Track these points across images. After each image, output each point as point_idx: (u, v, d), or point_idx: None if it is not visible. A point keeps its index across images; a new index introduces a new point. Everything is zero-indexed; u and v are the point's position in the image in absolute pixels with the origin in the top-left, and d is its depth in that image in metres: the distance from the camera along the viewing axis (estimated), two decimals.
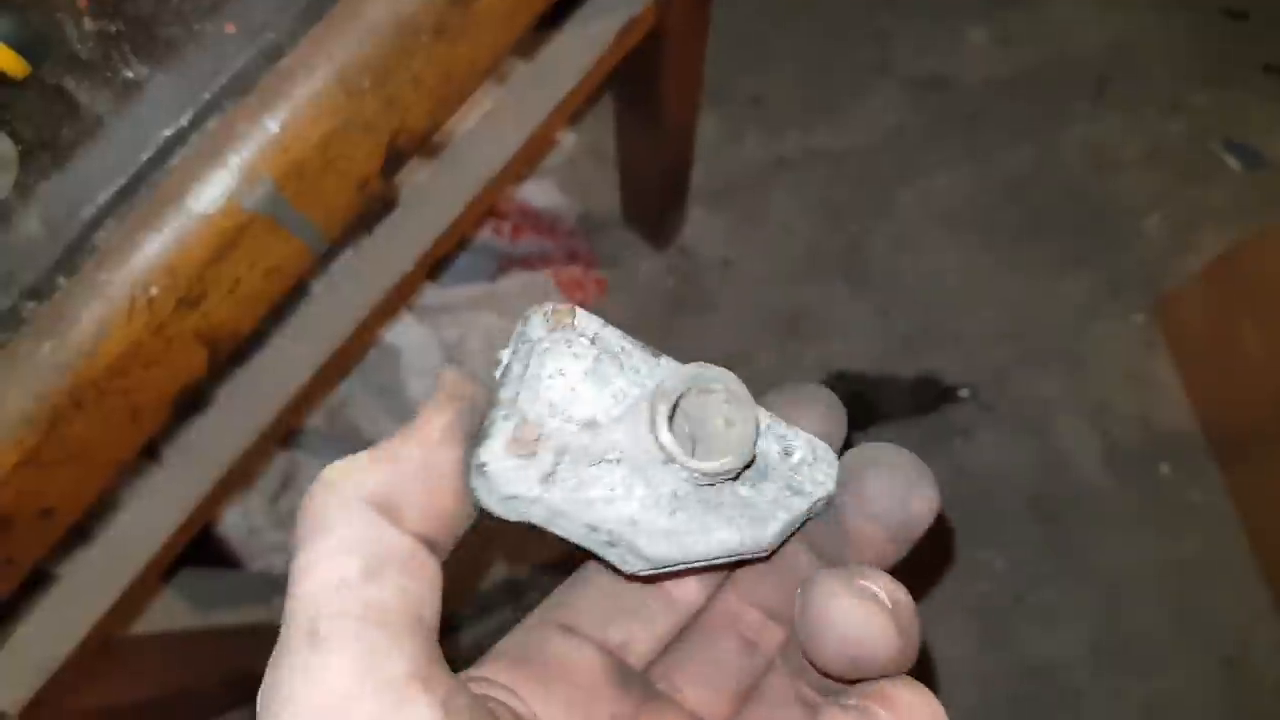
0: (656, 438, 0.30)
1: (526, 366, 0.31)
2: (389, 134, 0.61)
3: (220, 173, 0.53)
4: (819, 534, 0.34)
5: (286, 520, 1.20)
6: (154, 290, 0.53)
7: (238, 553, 1.21)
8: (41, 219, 0.52)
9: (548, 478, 0.29)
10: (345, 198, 0.62)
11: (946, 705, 1.16)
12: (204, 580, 1.23)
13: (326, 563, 0.26)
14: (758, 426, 0.32)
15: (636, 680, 0.34)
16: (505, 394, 0.31)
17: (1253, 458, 1.31)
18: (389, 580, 0.26)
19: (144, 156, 0.53)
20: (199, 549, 1.19)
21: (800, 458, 0.33)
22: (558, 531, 0.30)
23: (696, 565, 0.31)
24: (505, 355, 0.32)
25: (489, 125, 1.00)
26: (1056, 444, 1.40)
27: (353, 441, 1.20)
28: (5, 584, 0.62)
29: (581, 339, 0.32)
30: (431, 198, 1.01)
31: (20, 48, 0.50)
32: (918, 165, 1.51)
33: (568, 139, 1.44)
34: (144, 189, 0.53)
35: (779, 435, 0.33)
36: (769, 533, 0.32)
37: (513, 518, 0.30)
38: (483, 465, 0.29)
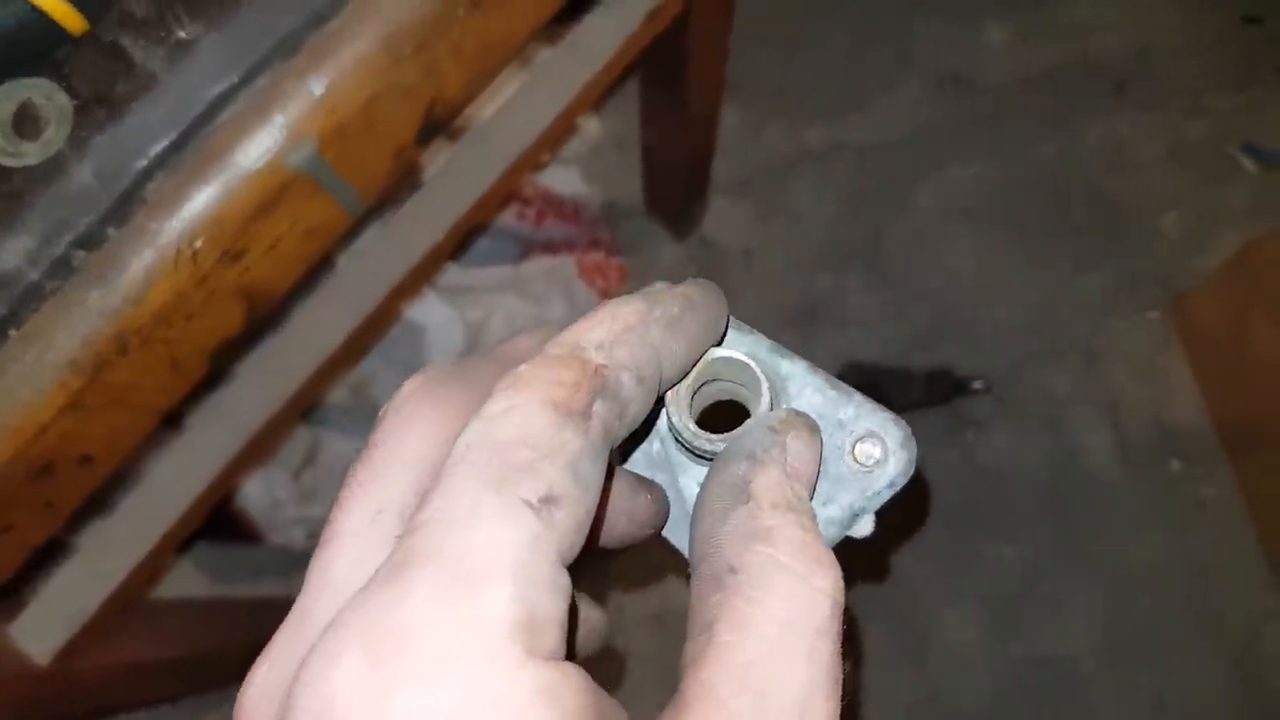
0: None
1: None
2: (427, 101, 0.63)
3: (266, 130, 0.55)
4: None
5: (308, 495, 1.22)
6: (199, 243, 0.55)
7: (258, 526, 1.22)
8: (94, 171, 0.54)
9: None
10: (383, 163, 0.64)
11: (955, 691, 1.18)
12: (223, 553, 1.26)
13: None
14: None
15: None
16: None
17: (1264, 455, 1.32)
18: None
19: (194, 113, 0.54)
20: (217, 523, 1.21)
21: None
22: None
23: None
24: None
25: (516, 105, 1.01)
26: (1069, 438, 1.41)
27: (375, 418, 1.22)
28: (44, 530, 0.64)
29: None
30: (457, 175, 1.03)
31: (79, 4, 0.52)
32: (938, 160, 1.53)
33: (592, 128, 1.46)
34: (193, 144, 0.55)
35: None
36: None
37: None
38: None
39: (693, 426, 0.31)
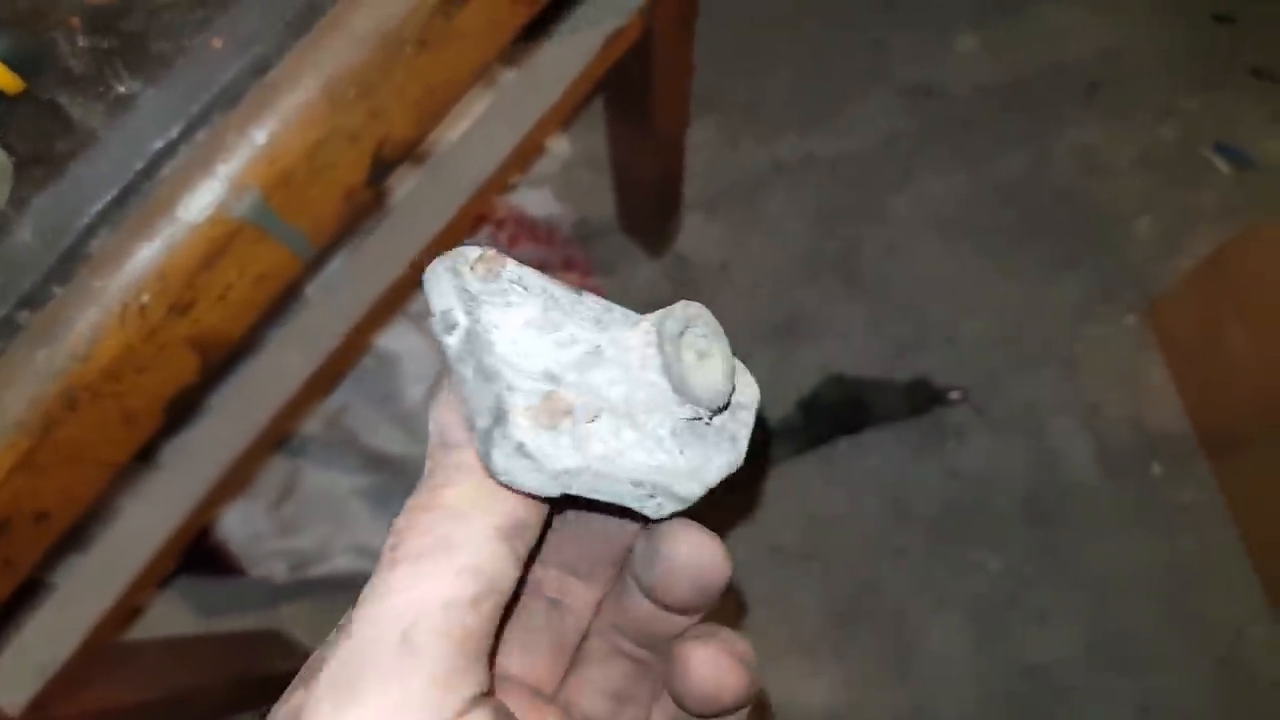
0: (683, 380, 0.31)
1: (476, 323, 0.30)
2: (374, 144, 0.63)
3: (209, 183, 0.55)
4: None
5: (288, 527, 1.22)
6: (145, 297, 0.55)
7: (239, 559, 1.22)
8: (36, 230, 0.53)
9: (578, 443, 0.29)
10: (332, 206, 0.64)
11: (941, 703, 1.18)
12: (206, 587, 1.25)
13: (442, 580, 0.27)
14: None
15: None
16: (489, 361, 0.29)
17: (1244, 457, 1.32)
18: (485, 610, 0.28)
19: (135, 168, 0.54)
20: (198, 557, 1.21)
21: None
22: (597, 496, 0.29)
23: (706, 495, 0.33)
24: (459, 317, 0.30)
25: (478, 133, 1.01)
26: (1049, 445, 1.41)
27: (352, 448, 1.22)
28: (4, 586, 0.63)
29: (517, 288, 0.32)
30: (423, 203, 1.03)
31: (15, 64, 0.52)
32: (911, 170, 1.53)
33: (563, 147, 1.46)
34: (135, 199, 0.55)
35: None
36: (741, 446, 0.34)
37: (556, 494, 0.29)
38: (522, 445, 0.28)
39: None
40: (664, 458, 0.31)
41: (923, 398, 1.41)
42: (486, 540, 0.28)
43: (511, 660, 0.35)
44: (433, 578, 0.27)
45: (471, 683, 0.27)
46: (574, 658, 0.36)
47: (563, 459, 0.28)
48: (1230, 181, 1.50)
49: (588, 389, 0.30)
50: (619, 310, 0.34)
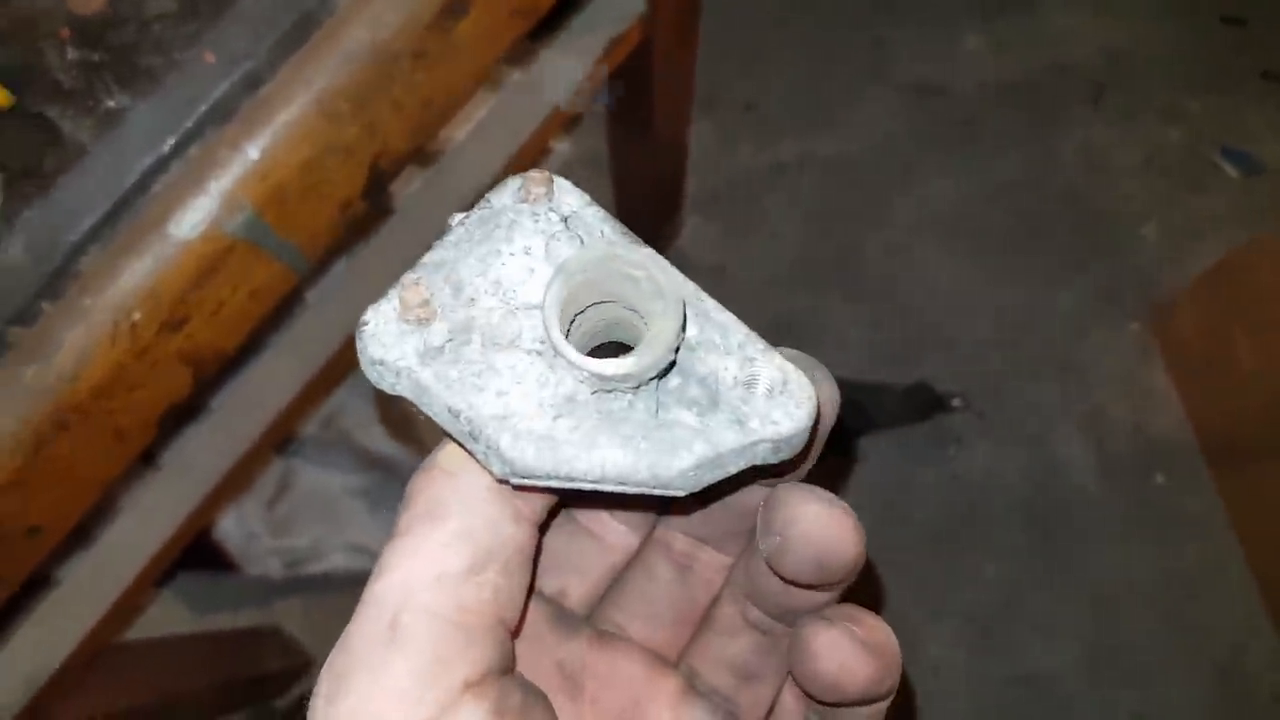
0: (544, 323, 0.26)
1: (486, 237, 0.28)
2: (370, 157, 0.62)
3: (201, 199, 0.54)
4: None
5: (282, 526, 1.21)
6: (136, 315, 0.54)
7: (235, 558, 1.22)
8: (25, 246, 0.53)
9: (432, 352, 0.26)
10: (327, 219, 0.63)
11: (938, 712, 1.17)
12: (202, 584, 1.25)
13: (433, 553, 0.26)
14: (683, 329, 0.27)
15: (580, 624, 0.33)
16: (433, 257, 0.28)
17: (1247, 467, 1.31)
18: (488, 579, 0.26)
19: (126, 184, 0.54)
20: (196, 555, 1.20)
21: (763, 388, 0.28)
22: (427, 412, 0.26)
23: (584, 486, 0.26)
24: (455, 219, 0.29)
25: (481, 135, 1.01)
26: (1050, 452, 1.40)
27: (346, 448, 1.21)
28: None
29: (552, 214, 0.29)
30: (426, 205, 1.02)
31: (3, 77, 0.51)
32: (912, 172, 1.52)
33: (564, 147, 1.45)
34: (126, 215, 0.54)
35: (747, 357, 0.29)
36: (676, 465, 0.26)
37: (381, 386, 0.27)
38: (364, 323, 0.26)
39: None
40: (524, 412, 0.26)
41: (922, 403, 1.40)
42: (479, 501, 0.27)
43: (631, 623, 0.34)
44: (421, 552, 0.26)
45: (467, 665, 0.25)
46: (701, 623, 0.34)
47: (386, 353, 0.26)
48: (1238, 186, 1.49)
49: (523, 322, 0.27)
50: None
